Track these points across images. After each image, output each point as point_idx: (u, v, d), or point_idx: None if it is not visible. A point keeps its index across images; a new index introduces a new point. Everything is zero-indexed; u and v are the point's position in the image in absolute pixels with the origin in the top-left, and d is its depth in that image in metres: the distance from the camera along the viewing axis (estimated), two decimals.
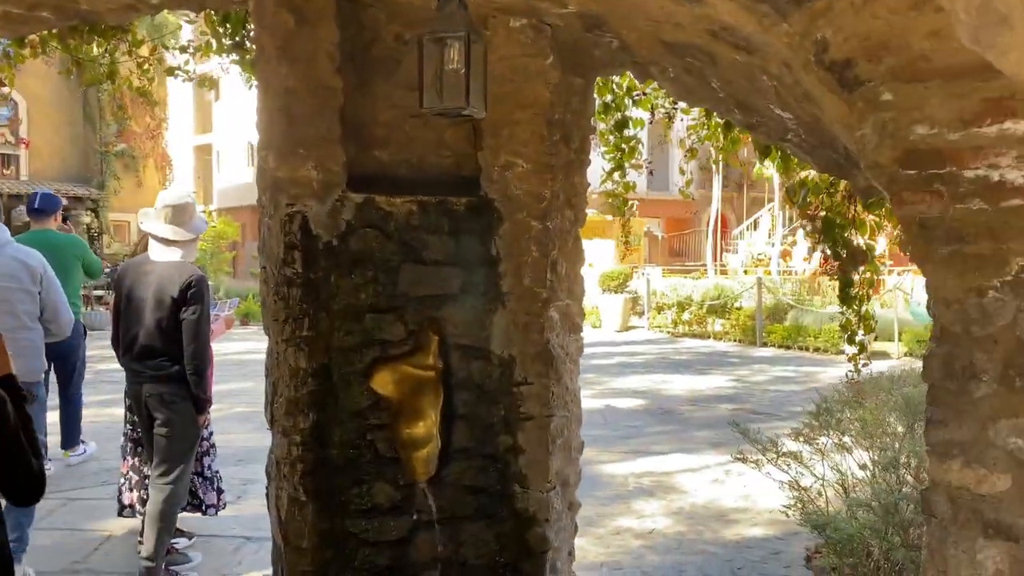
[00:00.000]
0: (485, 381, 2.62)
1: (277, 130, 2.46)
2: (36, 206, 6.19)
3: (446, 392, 2.58)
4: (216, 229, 19.86)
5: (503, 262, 2.58)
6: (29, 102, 23.98)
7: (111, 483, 5.75)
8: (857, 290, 3.57)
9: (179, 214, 4.12)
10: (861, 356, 4.16)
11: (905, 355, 12.66)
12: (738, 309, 15.72)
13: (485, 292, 2.60)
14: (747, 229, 22.91)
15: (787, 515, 4.26)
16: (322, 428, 2.52)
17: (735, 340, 15.08)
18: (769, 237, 20.84)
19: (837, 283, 3.53)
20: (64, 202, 6.81)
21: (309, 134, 2.45)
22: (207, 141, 36.03)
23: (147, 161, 24.78)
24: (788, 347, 13.81)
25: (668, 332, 16.63)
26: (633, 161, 3.94)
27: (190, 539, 4.86)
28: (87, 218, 22.86)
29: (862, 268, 3.38)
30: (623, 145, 3.86)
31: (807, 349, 13.56)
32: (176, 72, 5.90)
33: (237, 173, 32.68)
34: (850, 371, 4.47)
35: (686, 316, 16.35)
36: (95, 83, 5.93)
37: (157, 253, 4.13)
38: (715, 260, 21.33)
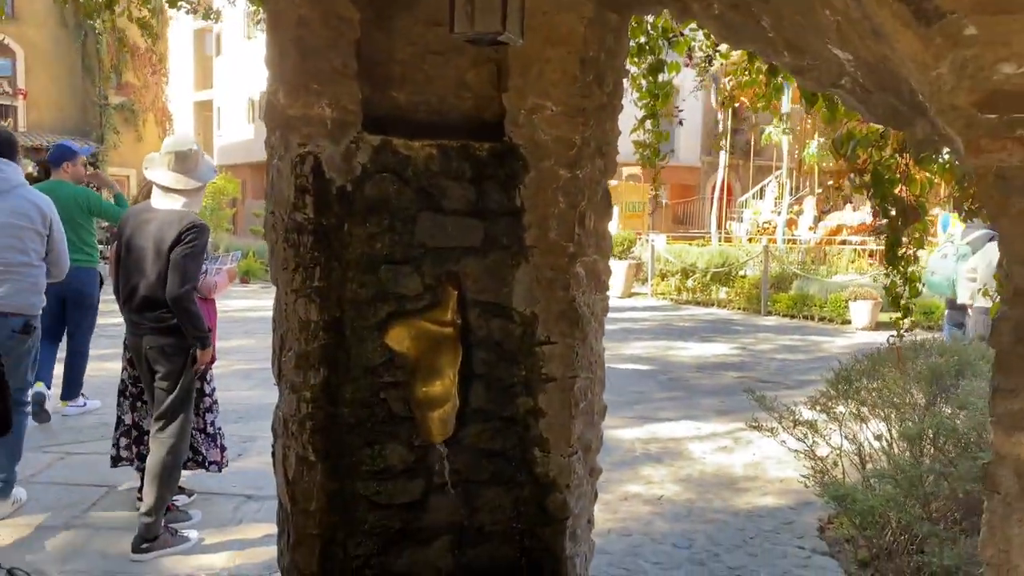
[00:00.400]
0: (505, 340, 2.48)
1: (288, 64, 2.28)
2: (48, 158, 6.51)
3: (464, 351, 2.43)
4: (216, 185, 19.64)
5: (527, 213, 2.42)
6: (27, 51, 23.60)
7: (109, 438, 5.64)
8: (904, 250, 3.38)
9: (183, 161, 3.95)
10: (905, 321, 3.96)
11: (912, 326, 12.51)
12: (742, 277, 15.58)
13: (507, 245, 2.44)
14: (752, 197, 22.67)
15: (805, 485, 4.14)
16: (333, 385, 2.38)
17: (739, 308, 14.96)
18: (776, 205, 20.63)
19: (885, 244, 3.35)
20: (80, 150, 6.84)
21: (323, 68, 2.27)
22: (207, 97, 35.60)
23: (147, 115, 24.51)
24: (793, 316, 13.69)
25: (671, 299, 16.51)
26: (665, 109, 3.74)
27: (190, 496, 4.76)
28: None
29: (911, 226, 3.20)
30: (656, 91, 3.65)
31: (812, 318, 13.44)
32: (179, 3, 5.67)
33: (238, 130, 32.34)
34: (892, 337, 4.28)
35: (690, 283, 16.21)
36: (93, 12, 5.70)
37: (159, 201, 3.97)
38: (719, 228, 21.13)
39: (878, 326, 12.60)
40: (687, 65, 4.09)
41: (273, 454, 2.56)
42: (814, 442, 4.54)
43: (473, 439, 2.49)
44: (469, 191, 2.42)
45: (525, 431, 2.49)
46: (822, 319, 13.31)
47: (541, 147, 2.38)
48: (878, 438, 4.59)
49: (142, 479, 4.27)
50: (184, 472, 4.43)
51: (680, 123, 4.82)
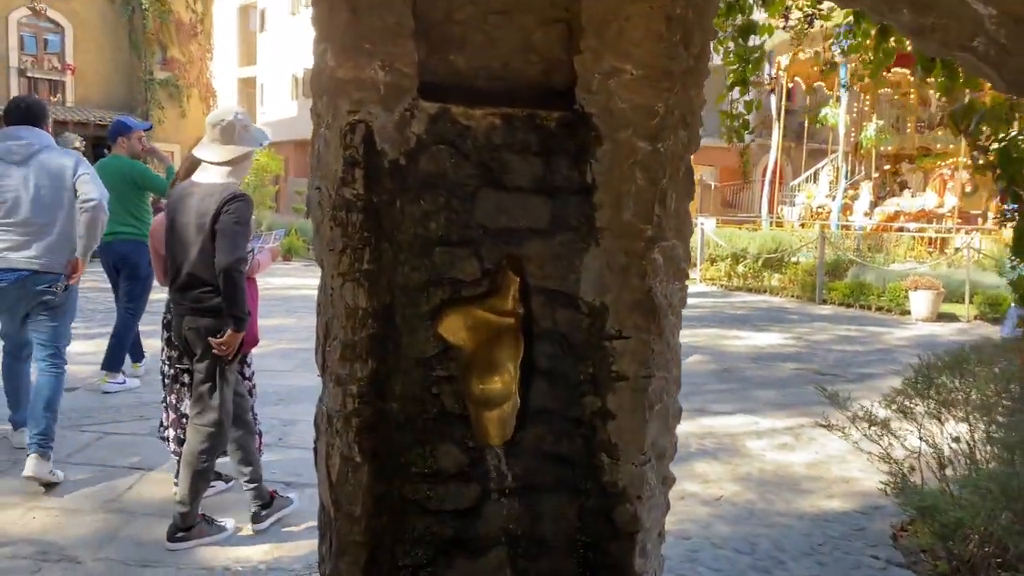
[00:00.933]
0: (572, 332, 2.22)
1: (338, 20, 2.04)
2: (108, 133, 6.94)
3: (525, 343, 2.18)
4: (260, 163, 19.63)
5: (600, 191, 2.15)
6: (75, 26, 23.78)
7: (148, 418, 5.53)
8: None
9: (224, 133, 3.76)
10: None
11: (975, 318, 12.00)
12: (795, 264, 15.09)
13: (576, 227, 2.18)
14: (805, 181, 22.03)
15: (885, 492, 3.83)
16: (381, 378, 2.15)
17: (793, 296, 14.50)
18: (831, 189, 20.00)
19: (1014, 232, 2.99)
20: (136, 124, 7.42)
21: (376, 26, 2.02)
22: (251, 74, 35.70)
23: (191, 91, 24.61)
24: (849, 305, 13.22)
25: (721, 285, 16.09)
26: (755, 77, 3.41)
27: (228, 483, 4.61)
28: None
29: None
30: (747, 56, 3.33)
31: (869, 308, 12.96)
32: None
33: (281, 107, 32.40)
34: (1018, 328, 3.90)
35: (740, 269, 15.77)
36: None
37: (201, 175, 3.81)
38: (771, 212, 20.57)
39: (939, 317, 12.10)
40: (783, 28, 3.75)
41: (315, 451, 2.34)
42: (890, 444, 4.23)
43: (534, 441, 2.25)
44: (535, 166, 2.15)
45: (592, 434, 2.24)
46: (879, 309, 12.83)
47: (617, 116, 2.11)
48: (956, 440, 4.26)
49: (179, 464, 4.14)
50: (220, 459, 4.28)
51: (772, 92, 4.43)
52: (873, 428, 4.21)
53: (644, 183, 2.12)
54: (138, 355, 6.96)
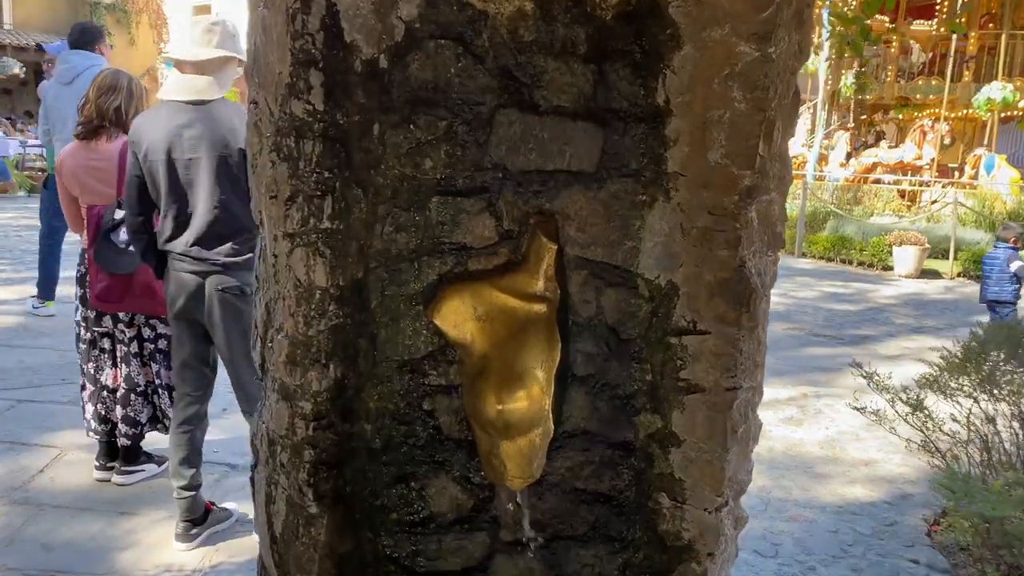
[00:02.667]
0: (624, 323, 1.55)
1: None
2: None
3: (560, 340, 1.50)
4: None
5: (676, 117, 1.45)
6: None
7: (72, 382, 4.77)
8: None
9: (208, 33, 2.99)
10: None
11: (959, 275, 11.61)
12: None
13: (637, 170, 1.49)
14: None
15: (949, 495, 3.26)
16: (350, 390, 1.46)
17: None
18: (807, 138, 19.43)
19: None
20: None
21: None
22: (206, 2, 33.89)
23: (140, 17, 23.18)
24: (830, 259, 12.74)
25: None
26: None
27: (160, 465, 3.90)
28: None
29: None
30: None
31: (851, 262, 12.50)
32: None
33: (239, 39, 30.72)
34: None
35: None
36: None
37: (179, 90, 2.98)
38: None
39: (923, 274, 11.69)
40: None
41: (252, 482, 1.66)
42: (935, 432, 3.67)
43: (565, 475, 1.59)
44: (581, 76, 1.45)
45: (647, 466, 1.58)
46: (861, 264, 12.37)
47: (707, 5, 1.40)
48: (988, 419, 3.73)
49: (114, 447, 3.48)
50: (148, 435, 3.60)
51: None
52: (916, 414, 3.64)
53: (745, 107, 1.42)
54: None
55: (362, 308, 1.44)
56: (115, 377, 3.59)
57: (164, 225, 3.02)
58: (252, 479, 1.65)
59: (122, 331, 3.55)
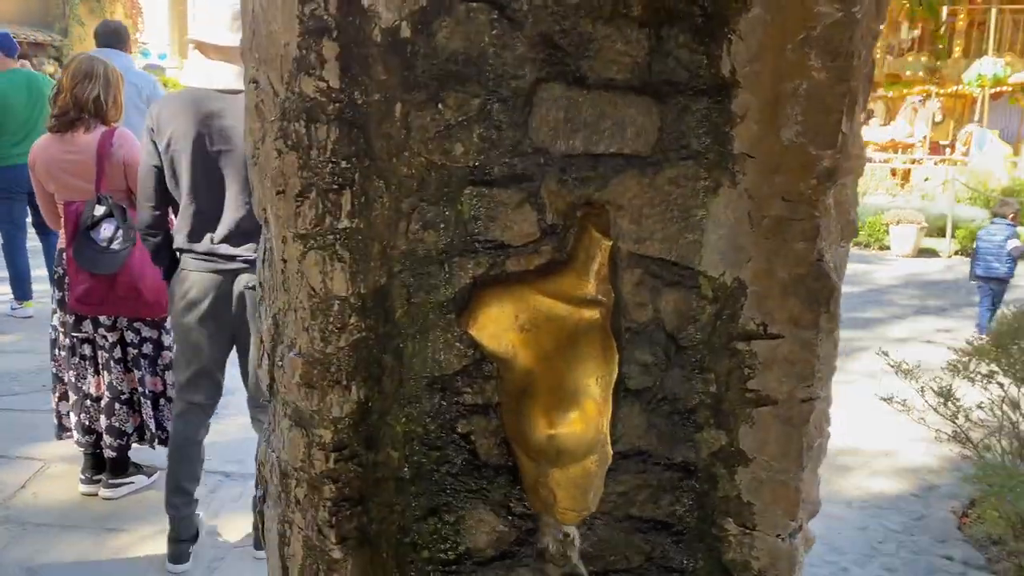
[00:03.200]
0: (684, 328, 1.35)
1: None
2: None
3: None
4: None
5: (743, 90, 1.26)
6: None
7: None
8: None
9: (236, 17, 2.74)
10: None
11: (956, 253, 11.49)
12: None
13: (700, 152, 1.29)
14: None
15: (980, 481, 3.12)
16: (374, 413, 1.26)
17: None
18: None
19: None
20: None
21: None
22: None
23: (114, 6, 22.66)
24: None
25: None
26: None
27: (150, 476, 3.69)
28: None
29: None
30: None
31: None
32: None
33: (217, 32, 30.16)
34: None
35: None
36: None
37: (214, 77, 2.74)
38: None
39: (920, 253, 11.58)
40: None
41: (260, 518, 1.46)
42: (964, 421, 3.51)
43: (618, 500, 1.40)
44: (635, 44, 1.25)
45: (710, 488, 1.40)
46: (857, 244, 12.23)
47: None
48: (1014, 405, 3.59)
49: (100, 459, 3.29)
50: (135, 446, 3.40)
51: None
52: (946, 404, 3.48)
53: (826, 77, 1.23)
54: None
55: (386, 319, 1.24)
56: (98, 385, 3.38)
57: (183, 222, 2.78)
58: (261, 513, 1.45)
59: (103, 336, 3.33)
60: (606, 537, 1.42)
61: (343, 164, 1.15)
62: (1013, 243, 6.98)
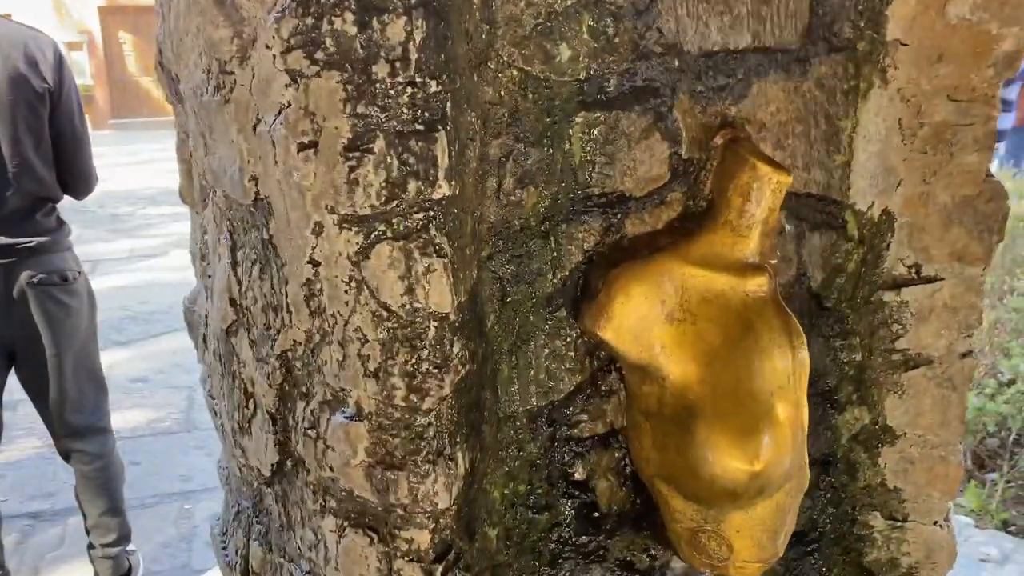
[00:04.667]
0: (830, 284, 1.02)
1: None
2: None
3: None
4: None
5: None
6: None
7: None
8: None
9: None
10: None
11: None
12: None
13: (850, 40, 0.94)
14: None
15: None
16: (475, 484, 0.80)
17: None
18: None
19: None
20: None
21: None
22: None
23: None
24: None
25: None
26: None
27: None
28: None
29: None
30: None
31: None
32: None
33: None
34: None
35: None
36: None
37: None
38: None
39: None
40: None
41: None
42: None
43: None
44: None
45: (849, 480, 1.10)
46: None
47: None
48: None
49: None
50: None
51: None
52: None
53: None
54: None
55: (480, 333, 0.78)
56: None
57: None
58: None
59: None
60: None
61: (433, 87, 0.65)
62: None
